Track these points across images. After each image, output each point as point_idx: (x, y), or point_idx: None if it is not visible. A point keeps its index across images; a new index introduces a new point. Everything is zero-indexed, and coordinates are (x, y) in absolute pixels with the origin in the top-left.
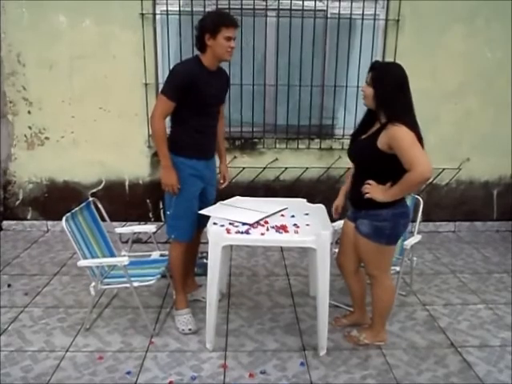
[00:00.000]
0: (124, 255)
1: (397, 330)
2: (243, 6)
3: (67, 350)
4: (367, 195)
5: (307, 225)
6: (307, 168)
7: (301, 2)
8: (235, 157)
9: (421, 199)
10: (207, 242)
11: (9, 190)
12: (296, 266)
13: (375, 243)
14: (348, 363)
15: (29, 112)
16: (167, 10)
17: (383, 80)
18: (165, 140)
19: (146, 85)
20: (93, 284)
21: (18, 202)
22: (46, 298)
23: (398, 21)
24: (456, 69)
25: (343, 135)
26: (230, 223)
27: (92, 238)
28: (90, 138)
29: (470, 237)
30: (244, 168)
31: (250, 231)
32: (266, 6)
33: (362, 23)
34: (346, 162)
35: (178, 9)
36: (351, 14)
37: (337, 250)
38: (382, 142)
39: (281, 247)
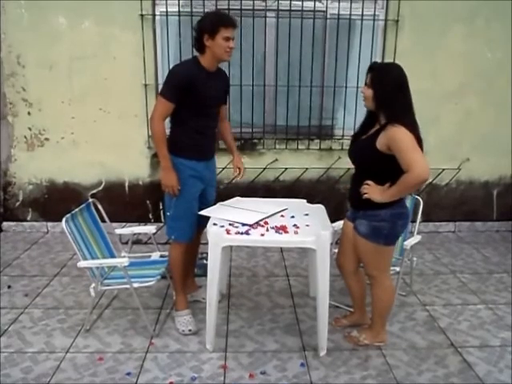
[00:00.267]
0: (124, 256)
1: (397, 331)
2: (243, 7)
3: (67, 351)
4: (365, 195)
5: (307, 225)
6: (307, 168)
7: (300, 3)
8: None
9: (421, 199)
10: (207, 243)
11: (9, 191)
12: (296, 267)
13: (373, 243)
14: (348, 364)
15: (29, 113)
16: (167, 11)
17: (382, 80)
18: (164, 141)
19: (145, 86)
20: (93, 285)
21: (17, 203)
22: (46, 299)
23: (397, 21)
24: (456, 69)
25: (343, 136)
26: (230, 224)
27: (92, 239)
28: (89, 138)
29: (469, 237)
30: (244, 168)
31: (249, 232)
32: (266, 6)
33: (362, 24)
34: (346, 163)
35: (177, 10)
36: (350, 15)
37: (336, 251)
38: (380, 143)
39: (281, 248)
